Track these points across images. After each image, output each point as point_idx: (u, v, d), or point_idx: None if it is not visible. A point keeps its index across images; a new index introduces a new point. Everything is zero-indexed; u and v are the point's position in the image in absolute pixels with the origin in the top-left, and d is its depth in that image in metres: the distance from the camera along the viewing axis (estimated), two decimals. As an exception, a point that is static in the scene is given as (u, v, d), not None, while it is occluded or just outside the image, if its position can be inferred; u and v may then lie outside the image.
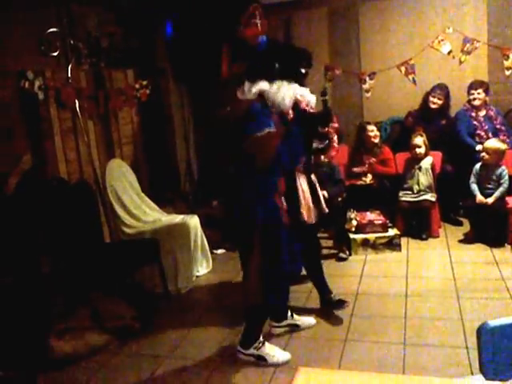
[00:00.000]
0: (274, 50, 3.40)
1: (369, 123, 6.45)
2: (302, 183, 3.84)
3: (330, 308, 4.16)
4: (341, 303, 4.12)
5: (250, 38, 3.43)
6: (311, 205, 3.85)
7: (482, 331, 1.95)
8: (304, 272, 4.39)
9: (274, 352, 3.55)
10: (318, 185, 4.01)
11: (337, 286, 4.66)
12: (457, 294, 4.32)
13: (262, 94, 3.23)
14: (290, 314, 3.97)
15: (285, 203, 3.56)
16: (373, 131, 6.27)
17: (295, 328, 3.95)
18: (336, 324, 4.01)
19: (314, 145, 3.64)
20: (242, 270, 3.68)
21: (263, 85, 3.22)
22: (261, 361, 3.52)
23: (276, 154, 3.21)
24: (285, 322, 3.95)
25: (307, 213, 3.79)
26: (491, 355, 1.94)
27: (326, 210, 3.98)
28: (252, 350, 3.56)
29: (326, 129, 3.62)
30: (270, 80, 3.25)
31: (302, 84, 3.51)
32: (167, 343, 3.93)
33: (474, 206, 5.44)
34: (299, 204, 3.78)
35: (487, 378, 1.91)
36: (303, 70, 3.55)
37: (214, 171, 5.90)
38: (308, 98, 3.53)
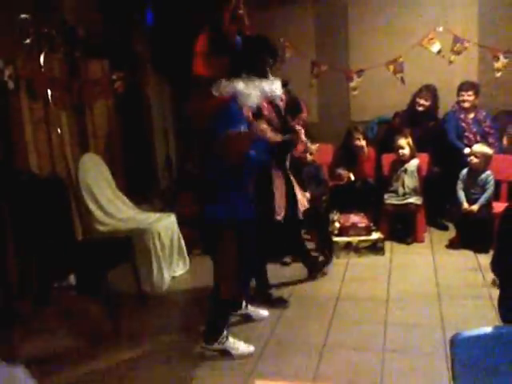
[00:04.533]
0: (250, 47, 3.42)
1: (356, 129, 6.29)
2: (276, 180, 3.80)
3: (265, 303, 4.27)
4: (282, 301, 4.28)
5: (231, 33, 3.40)
6: (282, 204, 3.85)
7: (455, 342, 1.91)
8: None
9: (237, 345, 3.60)
10: (296, 184, 3.92)
11: (318, 290, 4.67)
12: (439, 301, 4.26)
13: (235, 93, 3.24)
14: (244, 304, 4.08)
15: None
16: (358, 139, 6.15)
17: (248, 318, 4.08)
18: (314, 329, 3.93)
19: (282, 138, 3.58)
20: (214, 266, 3.67)
21: (239, 84, 3.23)
22: (226, 355, 3.56)
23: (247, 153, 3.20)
24: (239, 312, 4.07)
25: (279, 210, 3.78)
26: (464, 366, 1.90)
27: (302, 211, 3.91)
28: (216, 345, 3.59)
29: (297, 119, 3.58)
30: (246, 78, 3.28)
31: (265, 74, 3.50)
32: (138, 345, 3.84)
33: (460, 213, 5.37)
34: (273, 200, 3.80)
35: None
36: (270, 61, 3.54)
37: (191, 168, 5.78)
38: (276, 92, 3.49)
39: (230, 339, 3.61)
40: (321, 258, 5.08)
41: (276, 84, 3.52)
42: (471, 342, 1.92)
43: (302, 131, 3.67)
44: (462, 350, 1.90)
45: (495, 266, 2.81)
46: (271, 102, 3.55)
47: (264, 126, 3.51)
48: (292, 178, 4.07)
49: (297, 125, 3.63)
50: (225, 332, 3.61)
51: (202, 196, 3.47)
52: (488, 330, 1.97)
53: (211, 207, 3.39)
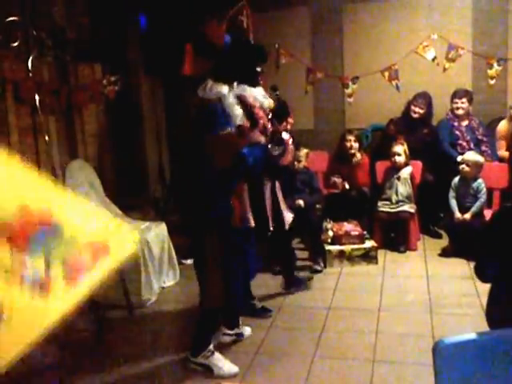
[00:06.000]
0: (237, 51, 3.36)
1: (350, 132, 6.25)
2: (266, 191, 3.77)
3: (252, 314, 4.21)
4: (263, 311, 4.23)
5: (215, 38, 3.40)
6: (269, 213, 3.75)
7: (437, 348, 1.94)
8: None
9: (222, 364, 3.47)
10: (280, 194, 3.91)
11: (309, 299, 4.65)
12: (430, 310, 4.29)
13: (220, 97, 3.20)
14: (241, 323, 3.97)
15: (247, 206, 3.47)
16: (350, 141, 6.09)
17: (240, 337, 3.91)
18: (305, 339, 3.92)
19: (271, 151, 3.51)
20: (196, 272, 3.56)
21: (223, 88, 3.20)
22: (208, 371, 3.45)
23: (238, 156, 3.13)
24: (235, 330, 3.90)
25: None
26: (446, 373, 1.93)
27: (287, 225, 3.89)
28: (200, 359, 3.49)
29: (283, 124, 3.52)
30: (231, 82, 3.24)
31: (256, 82, 3.44)
32: (123, 357, 3.77)
33: (453, 221, 5.37)
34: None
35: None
36: (258, 69, 3.45)
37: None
38: (260, 99, 3.42)
39: (216, 355, 3.51)
40: (304, 274, 5.05)
41: (263, 92, 3.48)
42: (454, 348, 1.95)
43: (290, 141, 3.59)
44: (443, 356, 1.92)
45: (480, 269, 2.75)
46: (263, 109, 3.50)
47: (260, 137, 3.43)
48: (278, 189, 4.00)
49: (284, 131, 3.56)
50: (211, 346, 3.52)
51: (185, 198, 3.43)
52: (471, 336, 2.00)
53: (196, 210, 3.35)
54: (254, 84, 3.38)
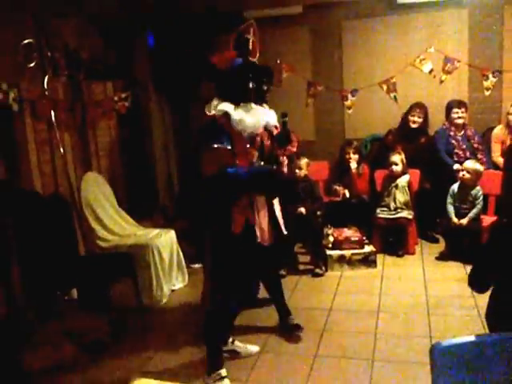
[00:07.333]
0: (244, 72, 3.39)
1: (349, 144, 6.48)
2: (258, 203, 3.57)
3: (286, 331, 4.13)
4: (297, 328, 4.11)
5: (220, 63, 3.45)
6: (265, 226, 3.58)
7: (434, 350, 1.97)
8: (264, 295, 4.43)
9: None
10: (277, 206, 3.77)
11: (311, 301, 4.75)
12: (427, 311, 4.36)
13: (227, 114, 3.28)
14: (230, 340, 3.85)
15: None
16: (349, 153, 6.36)
17: (235, 355, 3.82)
18: (306, 339, 4.03)
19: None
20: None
21: (227, 106, 3.28)
22: None
23: (225, 172, 3.21)
24: (224, 348, 3.76)
25: (261, 234, 3.52)
26: (443, 374, 1.96)
27: (285, 232, 3.74)
28: (209, 381, 3.45)
29: (284, 150, 3.61)
30: (237, 101, 3.30)
31: (264, 101, 3.52)
32: (138, 359, 3.92)
33: (450, 226, 5.51)
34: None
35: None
36: (265, 87, 3.51)
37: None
38: (271, 120, 3.51)
39: (226, 381, 3.42)
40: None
41: (271, 113, 3.52)
42: (451, 350, 1.98)
43: (285, 162, 3.68)
44: (440, 358, 1.96)
45: (477, 280, 2.86)
46: (267, 130, 3.54)
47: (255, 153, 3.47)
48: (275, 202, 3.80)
49: (282, 156, 3.65)
50: (222, 371, 3.44)
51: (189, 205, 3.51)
52: (468, 339, 2.04)
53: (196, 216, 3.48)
54: (260, 103, 3.45)
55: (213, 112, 3.31)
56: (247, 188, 3.34)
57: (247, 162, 3.35)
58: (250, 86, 3.35)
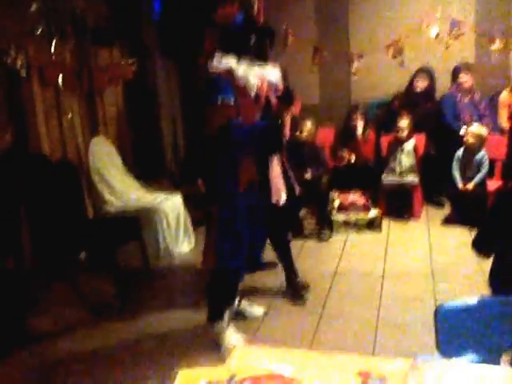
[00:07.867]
0: (246, 27, 3.37)
1: (356, 109, 6.48)
2: (272, 163, 3.63)
3: (294, 291, 4.18)
4: (304, 287, 4.17)
5: (221, 19, 3.39)
6: (280, 186, 3.63)
7: (439, 313, 2.02)
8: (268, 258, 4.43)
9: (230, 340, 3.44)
10: (288, 165, 3.86)
11: (316, 265, 4.79)
12: (432, 276, 4.39)
13: (230, 70, 3.19)
14: (237, 300, 3.82)
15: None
16: (355, 119, 6.36)
17: (240, 317, 3.84)
18: (311, 301, 4.08)
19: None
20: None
21: (231, 61, 3.19)
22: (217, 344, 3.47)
23: (228, 127, 3.18)
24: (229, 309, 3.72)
25: (276, 194, 3.57)
26: (447, 335, 2.01)
27: (297, 192, 3.83)
28: (214, 328, 3.49)
29: (287, 109, 3.59)
30: (240, 56, 3.22)
31: (266, 58, 3.47)
32: (146, 321, 3.97)
33: (455, 191, 5.53)
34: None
35: (444, 356, 1.98)
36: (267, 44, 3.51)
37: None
38: (273, 79, 3.42)
39: (229, 331, 3.48)
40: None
41: (275, 72, 3.42)
42: (453, 313, 2.04)
43: (288, 122, 3.65)
44: (444, 320, 2.01)
45: (482, 244, 2.90)
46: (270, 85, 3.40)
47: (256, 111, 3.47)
48: (285, 161, 3.92)
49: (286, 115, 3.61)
50: (224, 322, 3.48)
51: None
52: (472, 301, 2.07)
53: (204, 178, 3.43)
54: (263, 60, 3.40)
55: (215, 67, 3.21)
56: (250, 143, 3.33)
57: (251, 119, 3.31)
58: (252, 41, 3.33)
